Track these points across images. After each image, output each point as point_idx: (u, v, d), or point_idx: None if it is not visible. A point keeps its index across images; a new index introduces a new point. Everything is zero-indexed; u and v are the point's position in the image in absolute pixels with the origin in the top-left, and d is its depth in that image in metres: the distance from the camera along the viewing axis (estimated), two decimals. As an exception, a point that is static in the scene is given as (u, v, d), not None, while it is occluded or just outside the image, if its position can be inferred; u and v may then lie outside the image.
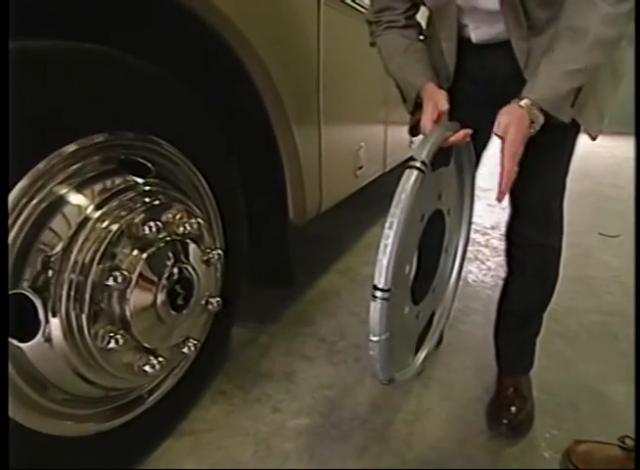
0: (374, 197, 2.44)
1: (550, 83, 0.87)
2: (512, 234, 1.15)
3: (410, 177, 0.82)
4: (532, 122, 0.88)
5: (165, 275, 0.84)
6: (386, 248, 0.80)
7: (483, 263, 2.19)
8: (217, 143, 1.06)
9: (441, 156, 0.90)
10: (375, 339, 0.83)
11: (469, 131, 0.96)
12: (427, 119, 0.96)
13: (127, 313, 0.77)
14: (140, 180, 0.85)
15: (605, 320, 1.67)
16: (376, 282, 0.81)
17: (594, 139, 1.01)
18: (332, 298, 1.82)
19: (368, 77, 1.77)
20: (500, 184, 0.87)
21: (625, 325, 1.62)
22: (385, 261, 0.80)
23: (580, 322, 1.66)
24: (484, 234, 2.58)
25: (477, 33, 1.01)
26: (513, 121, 0.86)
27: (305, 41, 1.28)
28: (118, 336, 0.76)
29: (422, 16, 1.11)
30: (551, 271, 1.14)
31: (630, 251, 2.38)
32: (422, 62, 1.04)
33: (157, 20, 0.87)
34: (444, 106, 0.96)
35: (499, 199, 0.89)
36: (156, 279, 0.82)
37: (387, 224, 0.80)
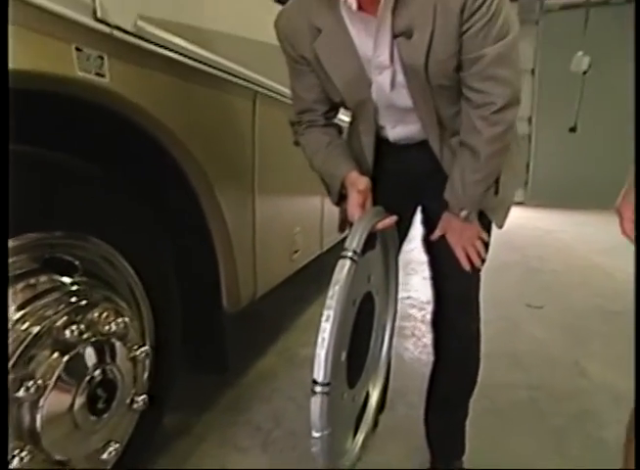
0: (312, 273, 2.47)
1: (466, 193, 0.98)
2: (437, 321, 1.20)
3: (343, 268, 0.85)
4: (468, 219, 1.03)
5: (86, 378, 0.81)
6: (323, 341, 0.81)
7: (420, 340, 2.22)
8: (149, 237, 1.06)
9: (368, 239, 0.94)
10: (317, 435, 0.83)
11: (395, 218, 1.02)
12: (353, 205, 1.00)
13: (38, 425, 0.73)
14: (67, 279, 0.84)
15: (532, 395, 1.73)
16: (315, 376, 0.81)
17: (500, 228, 1.14)
18: (269, 381, 1.78)
19: (302, 159, 1.85)
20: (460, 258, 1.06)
21: (552, 400, 1.69)
22: (323, 355, 0.81)
23: (509, 398, 1.70)
24: (421, 309, 2.61)
25: (393, 133, 1.08)
26: (461, 237, 1.05)
27: (240, 134, 1.35)
28: (24, 452, 0.71)
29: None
30: (473, 358, 1.19)
31: (554, 322, 2.53)
32: (344, 155, 1.08)
33: (87, 120, 0.91)
34: (362, 185, 1.00)
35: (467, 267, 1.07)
36: (75, 383, 0.79)
37: (323, 317, 0.82)
